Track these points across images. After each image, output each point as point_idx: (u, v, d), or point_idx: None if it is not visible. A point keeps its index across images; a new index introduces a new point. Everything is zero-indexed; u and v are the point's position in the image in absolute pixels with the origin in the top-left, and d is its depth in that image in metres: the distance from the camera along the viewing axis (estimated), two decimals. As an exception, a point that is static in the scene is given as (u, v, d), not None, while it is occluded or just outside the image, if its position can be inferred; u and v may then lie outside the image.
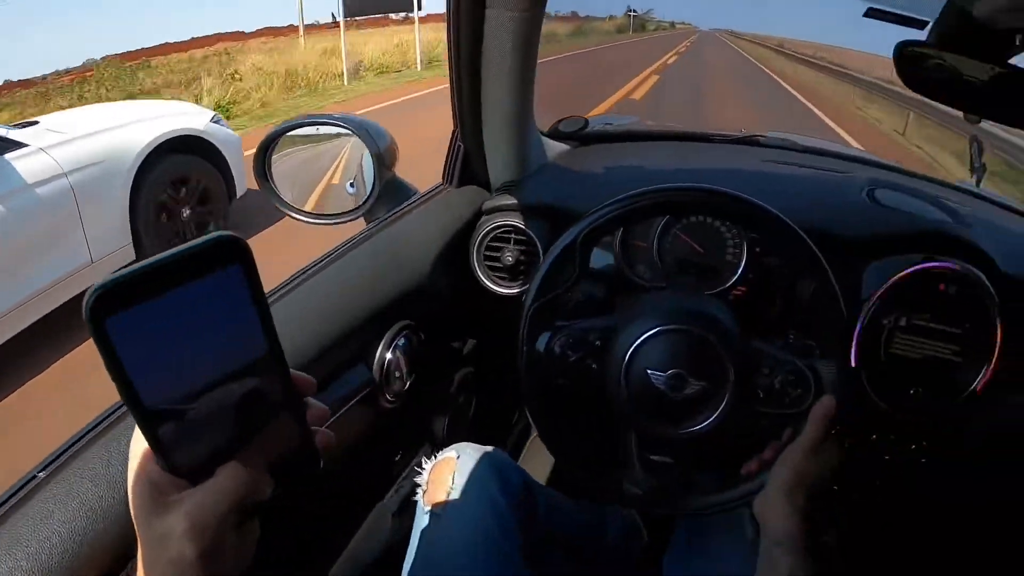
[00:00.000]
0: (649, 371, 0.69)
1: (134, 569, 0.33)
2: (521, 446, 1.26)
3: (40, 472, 0.51)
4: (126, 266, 0.28)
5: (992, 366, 0.87)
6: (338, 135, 1.03)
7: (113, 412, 0.56)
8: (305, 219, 0.99)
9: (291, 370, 0.35)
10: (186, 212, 3.11)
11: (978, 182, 1.08)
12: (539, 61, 0.87)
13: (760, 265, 0.92)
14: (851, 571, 1.07)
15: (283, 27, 12.93)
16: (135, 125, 2.89)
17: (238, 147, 3.37)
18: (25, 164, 2.39)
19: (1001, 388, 0.90)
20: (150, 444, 0.31)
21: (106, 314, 0.27)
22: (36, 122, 2.82)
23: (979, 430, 0.95)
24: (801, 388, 0.70)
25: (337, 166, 1.07)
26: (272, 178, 1.02)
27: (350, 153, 1.05)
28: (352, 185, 1.05)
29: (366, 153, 0.97)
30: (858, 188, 1.00)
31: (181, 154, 3.03)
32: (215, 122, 3.27)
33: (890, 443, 0.98)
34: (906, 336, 0.89)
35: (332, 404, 0.73)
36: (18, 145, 2.44)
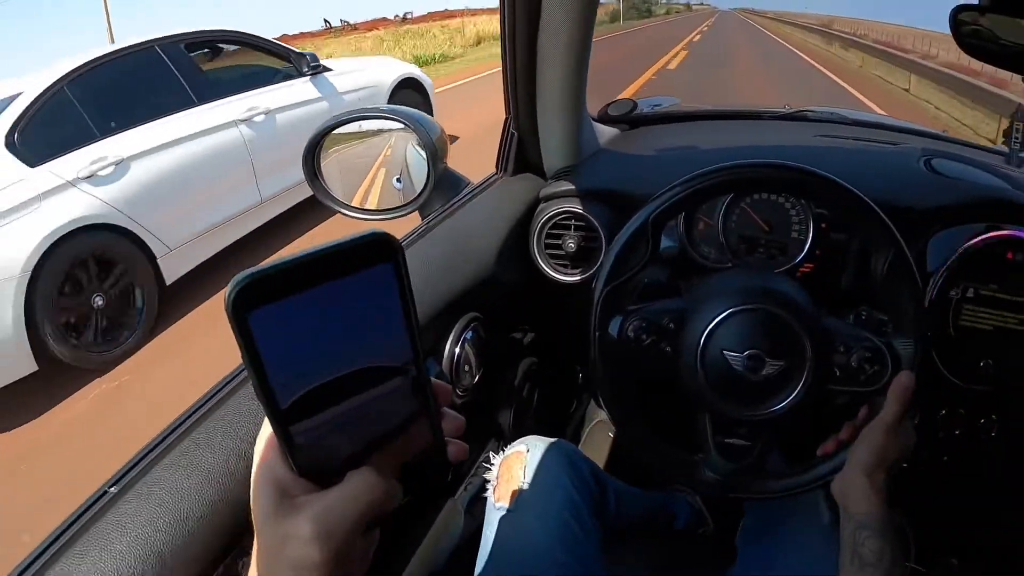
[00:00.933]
0: (726, 352, 0.68)
1: (245, 568, 0.32)
2: (579, 436, 1.25)
3: (143, 460, 0.51)
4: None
5: None
6: (380, 131, 1.02)
7: (211, 397, 0.55)
8: (359, 216, 0.98)
9: (431, 378, 0.33)
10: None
11: (1022, 148, 1.06)
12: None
13: (827, 240, 0.90)
14: (922, 551, 1.05)
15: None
16: (385, 68, 4.55)
17: (431, 86, 4.92)
18: (332, 82, 3.91)
19: None
20: (280, 444, 0.30)
21: (249, 308, 0.26)
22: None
23: None
24: (878, 365, 0.68)
25: (383, 160, 1.06)
26: (322, 177, 1.01)
27: (395, 147, 1.04)
28: (399, 180, 1.04)
29: (410, 146, 0.96)
30: (914, 158, 0.98)
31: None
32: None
33: (960, 417, 0.96)
34: (974, 307, 0.87)
35: None
36: (327, 69, 3.94)
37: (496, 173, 0.96)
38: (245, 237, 3.27)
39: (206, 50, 3.53)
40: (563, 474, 0.79)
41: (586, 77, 0.88)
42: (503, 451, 0.84)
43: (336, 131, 1.00)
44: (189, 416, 0.54)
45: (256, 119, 3.30)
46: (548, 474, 0.79)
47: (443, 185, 0.96)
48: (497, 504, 0.78)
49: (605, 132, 1.06)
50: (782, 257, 0.91)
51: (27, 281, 2.32)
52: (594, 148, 0.99)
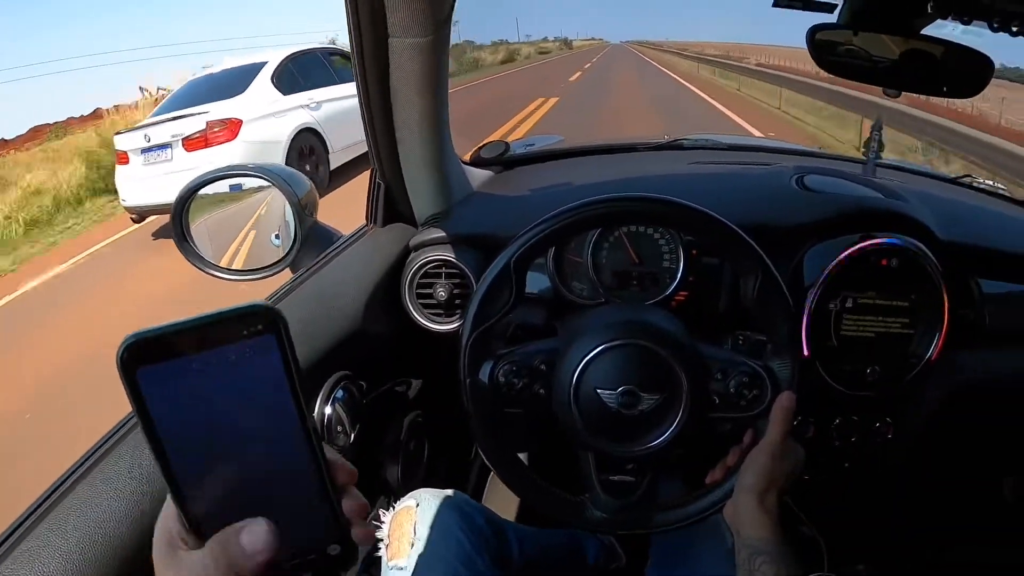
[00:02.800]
0: (599, 390, 0.67)
1: None
2: (483, 484, 1.22)
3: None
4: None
5: (943, 333, 0.88)
6: (258, 188, 1.00)
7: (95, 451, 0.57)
8: (229, 277, 0.95)
9: (330, 455, 0.35)
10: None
11: (877, 157, 1.11)
12: (453, 90, 0.86)
13: (699, 267, 0.92)
14: (834, 558, 1.06)
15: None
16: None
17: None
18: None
19: (952, 352, 0.91)
20: (171, 495, 0.32)
21: (137, 364, 0.29)
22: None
23: (937, 396, 0.96)
24: (757, 389, 0.69)
25: (260, 218, 1.04)
26: (191, 239, 0.97)
27: (271, 203, 1.01)
28: (277, 236, 1.01)
29: (286, 202, 0.94)
30: (786, 177, 1.01)
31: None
32: None
33: (854, 424, 0.98)
34: (855, 317, 0.90)
35: None
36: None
37: (367, 225, 0.95)
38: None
39: (333, 55, 5.90)
40: (454, 526, 0.77)
41: (447, 120, 0.88)
42: (393, 507, 0.81)
43: (204, 192, 0.98)
44: (70, 475, 0.55)
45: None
46: (439, 527, 0.77)
47: (314, 241, 0.95)
48: (391, 562, 0.75)
49: (478, 175, 1.06)
50: (655, 288, 0.92)
51: (287, 148, 4.83)
52: (466, 192, 0.99)
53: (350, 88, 4.52)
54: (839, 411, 0.97)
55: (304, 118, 5.05)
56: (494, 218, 0.94)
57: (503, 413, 0.71)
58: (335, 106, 5.29)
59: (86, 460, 0.56)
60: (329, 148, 5.29)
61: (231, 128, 4.50)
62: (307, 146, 5.08)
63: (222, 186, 1.00)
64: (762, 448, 0.65)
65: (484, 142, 1.07)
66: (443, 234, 0.90)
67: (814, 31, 0.84)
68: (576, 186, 1.00)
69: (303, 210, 0.92)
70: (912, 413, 0.97)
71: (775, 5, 0.95)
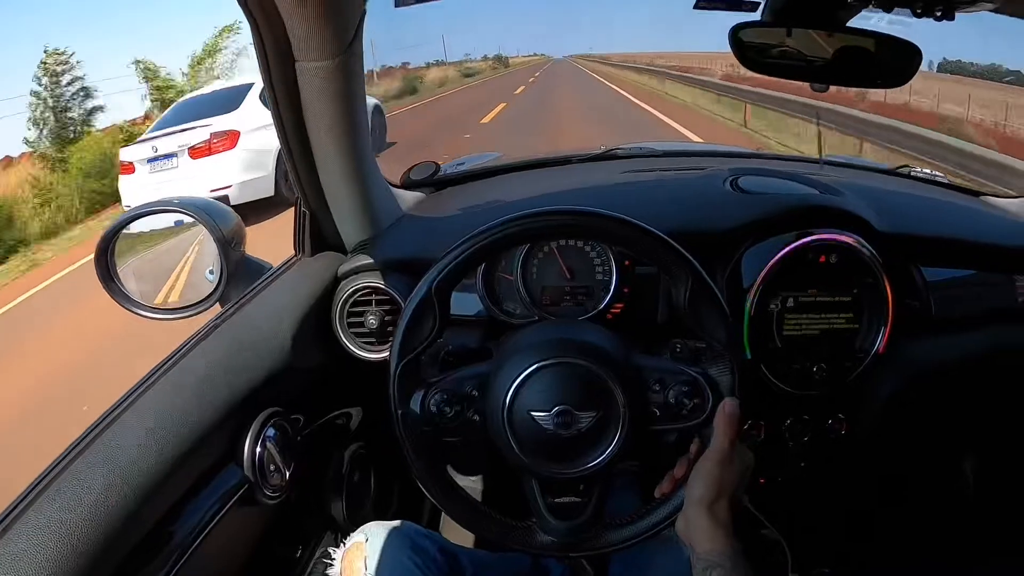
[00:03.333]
0: (533, 413, 0.65)
1: None
2: (438, 512, 1.20)
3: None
4: None
5: (889, 325, 0.88)
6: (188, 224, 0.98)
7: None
8: (156, 316, 0.93)
9: None
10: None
11: (820, 151, 1.11)
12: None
13: (634, 278, 0.91)
14: (799, 559, 1.06)
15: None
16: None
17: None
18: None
19: (902, 342, 0.91)
20: None
21: None
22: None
23: (889, 387, 0.96)
24: (698, 397, 0.67)
25: (196, 253, 1.02)
26: (118, 279, 0.95)
27: (205, 238, 0.99)
28: (211, 272, 0.99)
29: (218, 236, 0.93)
30: (720, 180, 1.00)
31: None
32: None
33: (806, 424, 0.97)
34: (797, 316, 0.89)
35: (205, 513, 0.67)
36: None
37: (295, 255, 0.93)
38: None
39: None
40: (406, 558, 0.76)
41: (367, 143, 0.86)
42: (343, 544, 0.79)
43: (129, 230, 0.96)
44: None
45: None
46: (391, 561, 0.75)
47: (244, 274, 0.93)
48: None
49: (408, 198, 1.04)
50: (590, 302, 0.90)
51: (276, 154, 4.95)
52: (395, 216, 0.98)
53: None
54: (790, 411, 0.96)
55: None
56: (422, 241, 0.92)
57: (440, 442, 0.69)
58: None
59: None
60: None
61: (231, 138, 5.08)
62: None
63: (155, 222, 0.98)
64: (708, 457, 0.63)
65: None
66: (371, 260, 0.88)
67: (736, 30, 0.84)
68: (507, 203, 0.98)
69: (229, 244, 0.90)
70: (866, 407, 0.97)
71: (696, 7, 0.95)
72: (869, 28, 0.84)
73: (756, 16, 0.88)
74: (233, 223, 0.93)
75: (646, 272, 0.90)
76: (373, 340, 0.89)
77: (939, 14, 0.70)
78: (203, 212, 0.91)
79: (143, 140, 5.62)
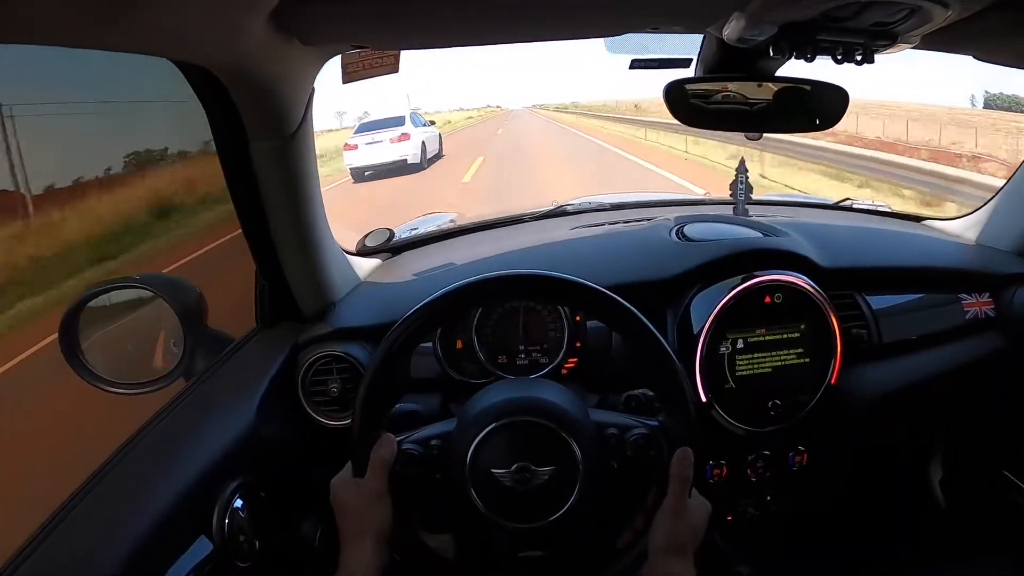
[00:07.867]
0: (493, 471, 0.67)
1: None
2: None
3: None
4: None
5: (839, 356, 0.91)
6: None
7: None
8: (120, 391, 0.93)
9: None
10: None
11: (746, 199, 1.13)
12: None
13: (585, 332, 0.93)
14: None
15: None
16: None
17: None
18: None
19: (855, 370, 0.93)
20: None
21: None
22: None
23: (847, 414, 0.99)
24: (653, 449, 0.70)
25: (157, 327, 1.02)
26: (82, 354, 0.95)
27: (166, 312, 1.00)
28: (175, 344, 1.00)
29: (183, 309, 0.94)
30: (666, 230, 1.04)
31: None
32: None
33: (766, 459, 1.00)
34: (748, 356, 0.92)
35: None
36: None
37: (255, 327, 0.95)
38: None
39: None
40: None
41: (322, 215, 0.89)
42: None
43: (92, 304, 0.97)
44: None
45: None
46: None
47: (208, 346, 0.94)
48: None
49: (365, 265, 1.07)
50: (545, 359, 0.93)
51: (419, 146, 11.12)
52: (352, 284, 1.00)
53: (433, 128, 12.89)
54: (750, 448, 0.98)
55: (422, 136, 11.27)
56: (379, 308, 0.94)
57: (404, 503, 0.71)
58: (431, 131, 12.23)
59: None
60: (429, 149, 11.48)
61: (406, 136, 10.75)
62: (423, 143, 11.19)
63: (118, 297, 0.99)
64: (665, 510, 0.65)
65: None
66: (330, 329, 0.90)
67: (669, 87, 0.87)
68: (460, 266, 1.01)
69: (189, 317, 0.92)
70: (825, 437, 1.00)
71: (632, 67, 0.99)
72: (796, 76, 0.89)
73: (689, 72, 0.92)
74: (195, 296, 0.94)
75: (596, 326, 0.93)
76: (336, 407, 0.90)
77: (859, 59, 0.75)
78: (165, 288, 0.93)
79: (357, 134, 11.25)
